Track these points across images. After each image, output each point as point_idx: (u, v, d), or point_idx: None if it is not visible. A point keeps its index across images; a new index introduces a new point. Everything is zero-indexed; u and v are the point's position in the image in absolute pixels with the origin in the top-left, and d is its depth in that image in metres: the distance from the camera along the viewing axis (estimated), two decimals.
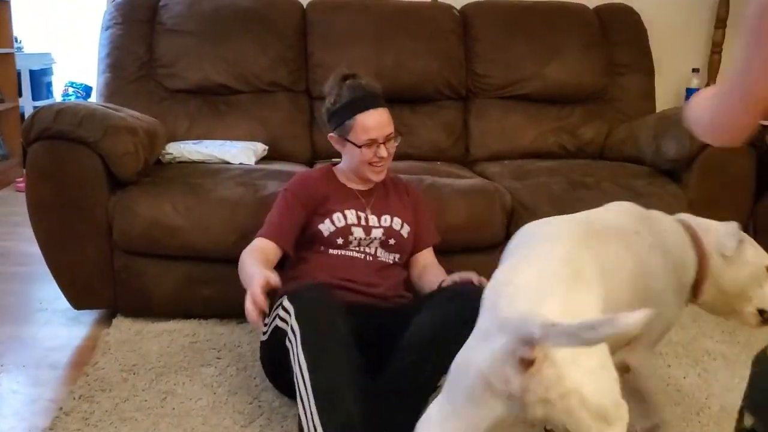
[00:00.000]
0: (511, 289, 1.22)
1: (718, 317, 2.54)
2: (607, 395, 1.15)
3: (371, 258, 1.98)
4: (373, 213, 2.01)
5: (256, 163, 2.68)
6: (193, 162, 2.61)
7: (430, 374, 1.67)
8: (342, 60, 2.94)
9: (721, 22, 3.36)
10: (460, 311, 1.70)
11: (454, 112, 3.10)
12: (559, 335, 1.01)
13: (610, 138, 3.06)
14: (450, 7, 3.17)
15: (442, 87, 3.04)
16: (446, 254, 2.44)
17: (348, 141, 1.96)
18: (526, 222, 2.44)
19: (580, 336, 0.98)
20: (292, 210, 1.97)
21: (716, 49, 3.39)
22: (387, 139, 1.96)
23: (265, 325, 1.87)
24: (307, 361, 1.56)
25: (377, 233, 1.98)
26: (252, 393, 1.94)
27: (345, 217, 1.96)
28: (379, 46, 2.93)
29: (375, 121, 1.93)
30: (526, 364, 1.08)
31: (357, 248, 1.97)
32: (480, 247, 2.47)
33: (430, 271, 2.04)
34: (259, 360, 1.96)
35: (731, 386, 2.07)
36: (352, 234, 1.96)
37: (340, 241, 1.95)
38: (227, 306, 2.34)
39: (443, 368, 1.66)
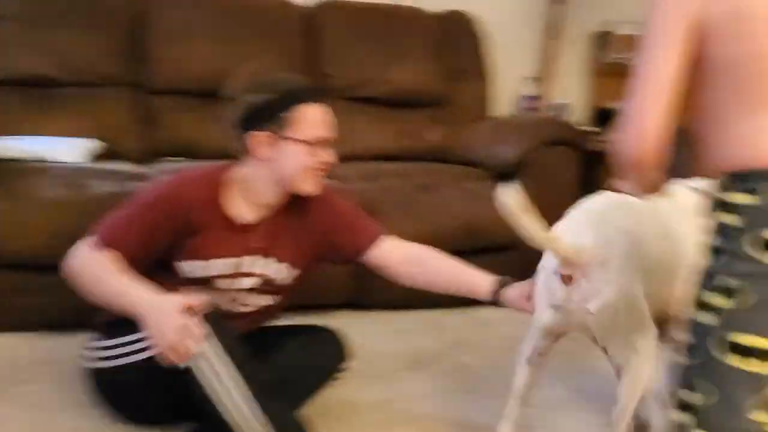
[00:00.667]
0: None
1: None
2: (637, 323, 1.47)
3: (236, 303, 1.69)
4: (253, 254, 1.65)
5: (89, 161, 2.50)
6: (11, 160, 2.39)
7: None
8: (183, 54, 2.83)
9: (552, 32, 3.57)
10: (311, 358, 1.71)
11: None
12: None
13: (451, 142, 3.16)
14: (296, 7, 3.14)
15: None
16: None
17: (288, 138, 1.57)
18: None
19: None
20: (156, 231, 1.58)
21: (548, 58, 3.59)
22: (330, 144, 1.64)
23: (107, 348, 1.62)
24: (234, 367, 1.43)
25: (248, 283, 1.67)
26: (79, 410, 1.80)
27: (211, 268, 1.63)
28: (222, 42, 2.85)
29: (324, 116, 1.62)
30: (567, 279, 1.44)
31: (219, 293, 1.65)
32: None
33: (429, 262, 1.77)
34: (86, 376, 1.75)
35: (560, 376, 2.19)
36: (214, 285, 1.64)
37: (199, 285, 1.63)
38: (50, 317, 2.17)
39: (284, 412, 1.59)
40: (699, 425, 1.11)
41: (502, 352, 2.35)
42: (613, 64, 3.63)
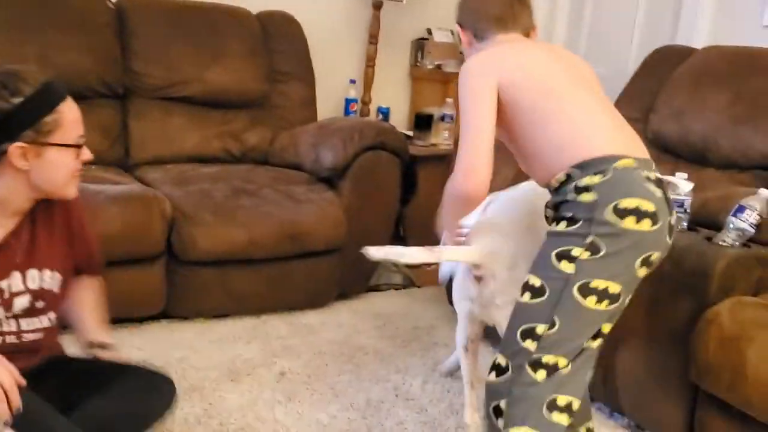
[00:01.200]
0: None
1: (374, 313, 2.76)
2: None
3: (13, 337, 1.49)
4: (18, 269, 1.48)
5: None
6: None
7: None
8: None
9: (373, 38, 3.63)
10: (133, 406, 1.52)
11: (112, 111, 2.89)
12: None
13: (274, 144, 3.12)
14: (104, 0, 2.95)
15: (95, 84, 2.80)
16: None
17: (52, 145, 1.40)
18: (186, 230, 2.41)
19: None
20: None
21: (370, 63, 3.66)
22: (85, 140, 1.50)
23: None
24: None
25: (22, 303, 1.48)
26: None
27: None
28: (18, 37, 2.60)
29: (78, 113, 1.45)
30: (478, 279, 1.71)
31: None
32: (138, 258, 2.34)
33: (81, 303, 1.64)
34: None
35: (379, 378, 2.24)
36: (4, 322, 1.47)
37: None
38: None
39: None
40: (542, 350, 1.37)
41: (323, 358, 2.36)
42: (431, 71, 3.77)
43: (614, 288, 1.36)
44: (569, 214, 1.40)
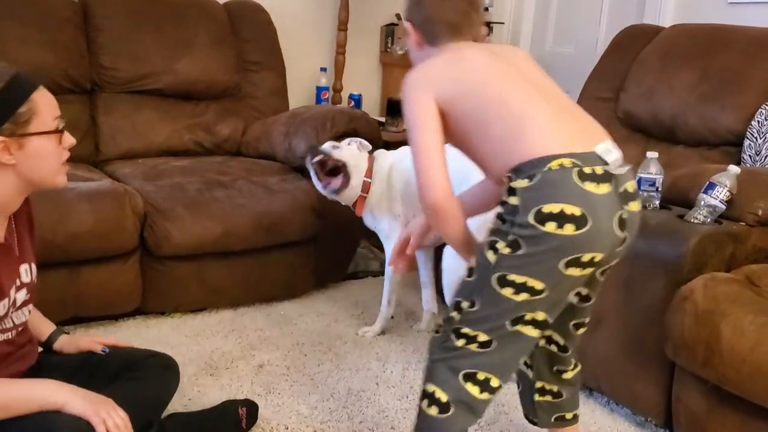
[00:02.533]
0: None
1: (352, 301, 2.76)
2: None
3: (12, 334, 1.49)
4: (20, 265, 1.50)
5: None
6: None
7: None
8: None
9: (342, 25, 3.60)
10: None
11: (79, 106, 2.84)
12: None
13: (246, 135, 3.09)
14: None
15: (61, 80, 2.75)
16: (72, 266, 2.25)
17: (33, 134, 1.37)
18: (160, 225, 2.38)
19: None
20: None
21: (340, 50, 3.63)
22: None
23: None
24: None
25: (21, 297, 1.49)
26: None
27: (10, 299, 1.44)
28: None
29: (52, 99, 1.42)
30: None
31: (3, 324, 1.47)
32: (110, 255, 2.31)
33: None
34: None
35: (359, 366, 2.24)
36: (8, 317, 1.46)
37: None
38: None
39: None
40: (462, 322, 1.44)
41: (302, 348, 2.36)
42: (401, 56, 3.75)
43: (534, 284, 1.36)
44: (499, 211, 1.43)
